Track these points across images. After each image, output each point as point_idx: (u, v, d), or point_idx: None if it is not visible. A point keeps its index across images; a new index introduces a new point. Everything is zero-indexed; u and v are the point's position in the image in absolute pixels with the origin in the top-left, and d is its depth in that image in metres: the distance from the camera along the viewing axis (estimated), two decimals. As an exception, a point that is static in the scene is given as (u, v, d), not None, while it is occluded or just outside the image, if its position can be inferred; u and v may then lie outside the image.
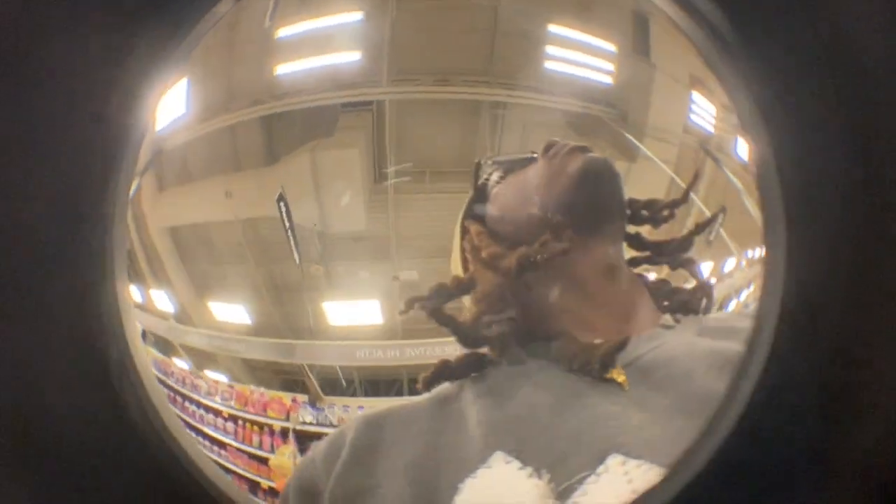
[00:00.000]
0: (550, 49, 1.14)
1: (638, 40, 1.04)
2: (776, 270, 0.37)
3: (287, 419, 1.72)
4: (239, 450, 1.58)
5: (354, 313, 1.57)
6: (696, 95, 0.93)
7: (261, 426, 1.68)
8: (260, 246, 1.44)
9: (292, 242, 1.42)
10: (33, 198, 0.40)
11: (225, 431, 1.57)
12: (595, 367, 0.52)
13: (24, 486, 0.40)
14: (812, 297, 0.37)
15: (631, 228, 0.67)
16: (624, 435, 0.47)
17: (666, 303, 0.64)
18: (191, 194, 1.23)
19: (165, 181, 1.12)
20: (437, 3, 1.24)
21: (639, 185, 0.70)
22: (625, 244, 0.66)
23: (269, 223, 1.48)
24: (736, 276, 0.84)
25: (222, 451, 1.53)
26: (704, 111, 0.91)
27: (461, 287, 0.61)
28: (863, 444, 0.37)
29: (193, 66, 1.03)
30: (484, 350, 0.59)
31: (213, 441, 1.51)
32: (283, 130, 1.34)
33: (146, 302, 1.08)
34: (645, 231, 0.68)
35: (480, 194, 0.67)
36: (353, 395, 1.78)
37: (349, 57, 1.23)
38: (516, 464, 0.47)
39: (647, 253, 0.68)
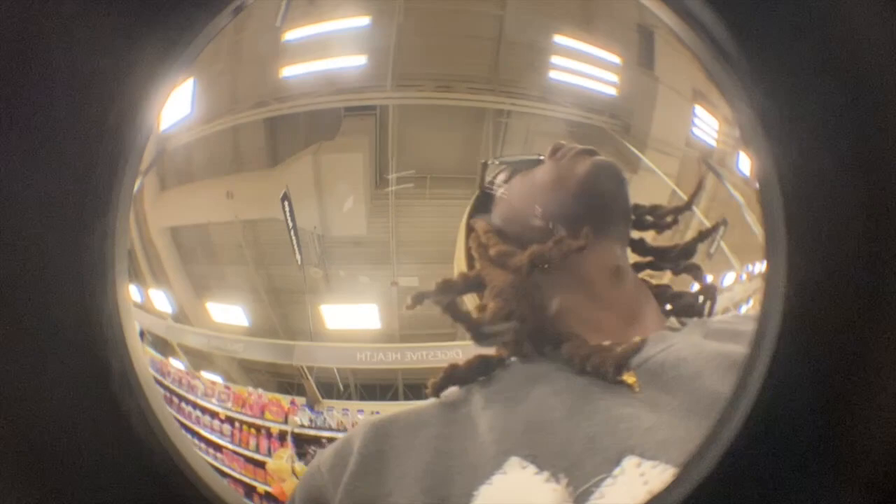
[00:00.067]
0: (555, 59, 1.15)
1: (642, 53, 1.05)
2: (777, 275, 0.37)
3: (285, 422, 1.70)
4: (235, 453, 1.57)
5: (352, 317, 1.57)
6: (698, 109, 0.94)
7: (258, 429, 1.67)
8: (259, 248, 1.44)
9: (295, 243, 1.42)
10: (36, 195, 0.40)
11: (221, 434, 1.55)
12: (609, 369, 0.51)
13: (23, 489, 0.40)
14: (814, 300, 0.37)
15: (634, 234, 0.67)
16: (637, 436, 0.46)
17: (669, 307, 0.63)
18: (192, 194, 1.23)
19: (167, 181, 1.12)
20: (444, 9, 1.24)
21: (640, 196, 0.70)
22: (628, 249, 0.66)
23: (270, 225, 1.48)
24: (736, 289, 0.84)
25: (218, 454, 1.52)
26: (707, 125, 0.92)
27: (468, 284, 0.60)
28: (868, 442, 0.37)
29: (200, 67, 1.03)
30: (493, 352, 0.58)
31: (209, 443, 1.50)
32: (286, 133, 1.35)
33: (145, 301, 1.07)
34: (648, 237, 0.68)
35: (486, 194, 0.67)
36: (349, 398, 1.77)
37: (354, 61, 1.23)
38: (532, 469, 0.46)
39: (650, 258, 0.67)
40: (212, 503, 0.43)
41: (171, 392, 1.17)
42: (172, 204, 1.18)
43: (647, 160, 1.03)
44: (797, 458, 0.36)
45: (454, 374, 0.57)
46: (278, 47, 1.17)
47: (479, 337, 0.58)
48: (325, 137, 1.37)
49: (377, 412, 1.60)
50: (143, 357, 0.44)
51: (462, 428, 0.52)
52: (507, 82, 1.27)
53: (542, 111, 1.20)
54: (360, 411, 1.68)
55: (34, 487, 0.40)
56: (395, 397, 1.68)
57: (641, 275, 0.66)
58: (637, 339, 0.54)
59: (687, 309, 0.63)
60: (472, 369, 0.57)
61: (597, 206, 0.61)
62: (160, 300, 1.16)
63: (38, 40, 0.39)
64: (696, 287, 0.65)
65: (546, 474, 0.46)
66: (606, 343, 0.54)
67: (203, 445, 1.42)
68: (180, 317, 1.23)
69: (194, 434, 1.32)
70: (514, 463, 0.47)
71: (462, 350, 0.60)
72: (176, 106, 0.96)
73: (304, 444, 1.68)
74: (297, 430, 1.69)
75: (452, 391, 0.57)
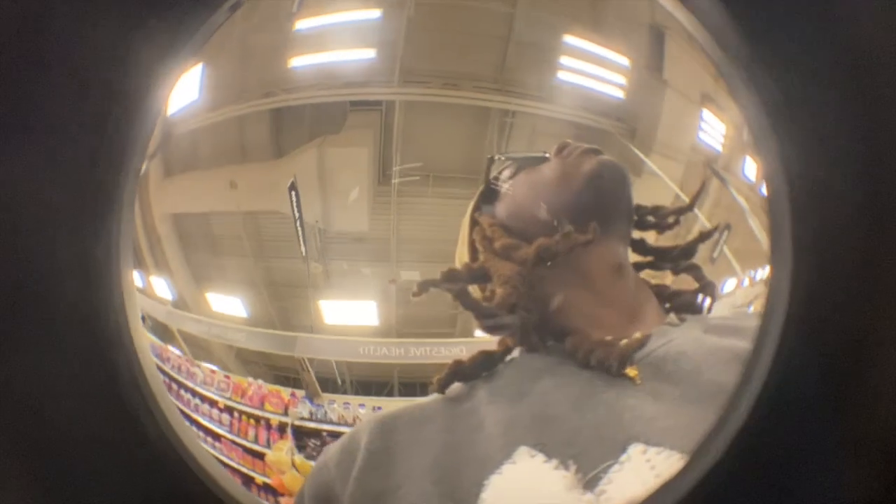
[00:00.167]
0: (563, 59, 1.15)
1: (652, 55, 1.05)
2: (783, 270, 0.37)
3: (285, 413, 1.70)
4: (234, 442, 1.56)
5: (350, 313, 1.57)
6: (706, 113, 0.94)
7: (257, 419, 1.67)
8: (260, 240, 1.44)
9: (300, 234, 1.42)
10: (44, 180, 0.40)
11: (220, 423, 1.55)
12: (613, 363, 0.52)
13: (27, 480, 0.40)
14: (820, 291, 0.37)
15: (636, 234, 0.68)
16: (642, 425, 0.48)
17: (668, 305, 0.64)
18: (196, 182, 1.23)
19: (172, 167, 1.12)
20: (454, 5, 1.24)
21: (644, 200, 0.70)
22: (629, 249, 0.66)
23: (272, 217, 1.48)
24: (738, 294, 0.84)
25: (217, 443, 1.51)
26: (714, 130, 0.92)
27: (473, 274, 0.62)
28: (877, 425, 0.37)
29: (209, 53, 1.03)
30: (496, 347, 0.59)
31: (208, 432, 1.49)
32: (292, 125, 1.34)
33: (146, 287, 1.07)
34: (649, 237, 0.69)
35: (492, 189, 0.68)
36: (345, 393, 1.77)
37: (363, 54, 1.23)
38: (541, 457, 0.48)
39: (650, 258, 0.68)
40: (218, 497, 0.43)
41: (171, 378, 1.17)
42: (176, 191, 1.18)
43: (652, 164, 1.03)
44: (806, 443, 0.37)
45: (459, 370, 0.58)
46: (288, 37, 1.17)
47: (488, 326, 0.59)
48: (330, 131, 1.37)
49: (379, 407, 1.60)
50: (149, 354, 0.44)
51: (468, 422, 0.53)
52: (514, 82, 1.27)
53: (548, 112, 1.20)
54: (362, 406, 1.68)
55: (39, 481, 0.40)
56: (390, 394, 1.68)
57: (642, 274, 0.67)
58: (640, 334, 0.55)
59: (686, 306, 0.64)
60: (476, 365, 0.59)
61: (601, 203, 0.62)
62: (161, 286, 1.16)
63: (49, 15, 0.39)
64: (695, 286, 0.65)
65: (555, 462, 0.47)
66: (608, 338, 0.55)
67: (201, 434, 1.42)
68: (180, 304, 1.23)
69: (193, 422, 1.32)
70: (523, 452, 0.49)
71: (466, 347, 0.61)
72: (184, 91, 0.96)
73: (303, 437, 1.68)
74: (297, 423, 1.69)
75: (455, 387, 0.58)
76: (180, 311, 1.23)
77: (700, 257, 0.68)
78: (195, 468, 0.43)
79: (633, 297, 0.62)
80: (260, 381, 1.64)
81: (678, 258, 0.67)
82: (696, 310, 0.64)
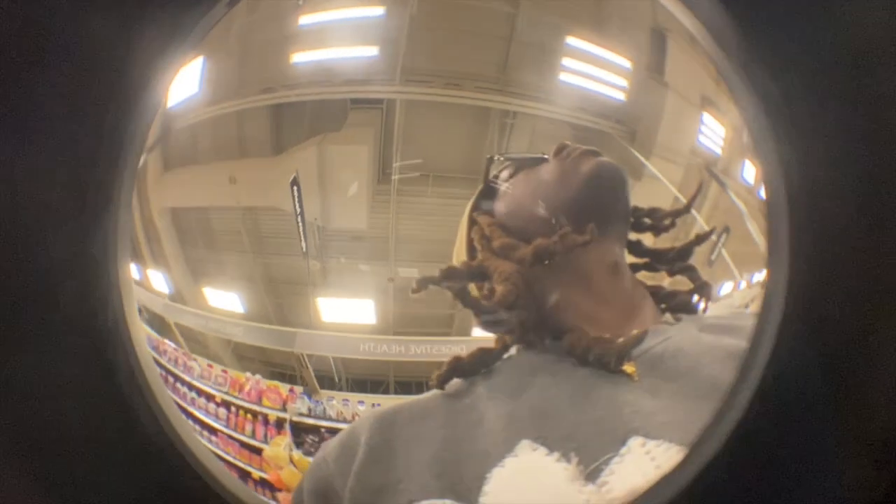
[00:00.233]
0: (565, 61, 1.15)
1: (653, 57, 1.05)
2: (780, 267, 0.37)
3: (283, 409, 1.70)
4: (230, 437, 1.56)
5: (348, 311, 1.57)
6: (706, 116, 0.94)
7: (254, 414, 1.67)
8: (259, 236, 1.44)
9: (301, 229, 1.42)
10: (41, 173, 0.40)
11: (217, 417, 1.55)
12: (612, 360, 0.53)
13: (25, 473, 0.40)
14: (818, 291, 0.37)
15: (632, 235, 0.68)
16: (641, 419, 0.48)
17: (664, 305, 0.65)
18: (195, 176, 1.22)
19: (171, 161, 1.12)
20: (457, 4, 1.24)
21: (643, 202, 0.70)
22: (626, 251, 0.67)
23: (271, 214, 1.48)
24: (735, 296, 0.84)
25: (213, 438, 1.51)
26: (713, 133, 0.92)
27: (471, 272, 0.62)
28: (873, 427, 0.38)
29: (210, 47, 1.03)
30: (493, 345, 0.60)
31: (204, 426, 1.49)
32: (292, 121, 1.35)
33: (143, 280, 1.07)
34: (645, 239, 0.69)
35: (491, 188, 0.68)
36: (340, 390, 1.78)
37: (365, 52, 1.23)
38: (543, 450, 0.48)
39: (646, 260, 0.69)
40: (215, 492, 0.43)
41: (167, 371, 1.17)
42: (175, 185, 1.18)
43: (652, 167, 1.03)
44: (804, 441, 0.37)
45: (458, 366, 0.58)
46: (290, 32, 1.17)
47: (487, 323, 0.60)
48: (330, 128, 1.37)
49: (377, 404, 1.60)
50: (146, 348, 0.44)
51: (468, 417, 0.54)
52: (516, 83, 1.27)
53: (549, 113, 1.20)
54: (361, 403, 1.68)
55: (37, 474, 0.40)
56: (386, 393, 1.69)
57: (638, 276, 0.67)
58: (637, 331, 0.55)
59: (682, 307, 0.64)
60: (474, 362, 0.59)
61: (599, 204, 0.62)
62: (158, 279, 1.16)
63: (46, 14, 0.39)
64: (691, 287, 0.66)
65: (557, 455, 0.48)
66: (606, 336, 0.55)
67: (198, 428, 1.42)
68: (177, 298, 1.23)
69: (189, 416, 1.32)
70: (524, 446, 0.49)
71: (466, 345, 0.61)
72: (184, 84, 0.96)
73: (301, 433, 1.68)
74: (295, 419, 1.69)
75: (454, 383, 0.58)
76: (177, 304, 1.23)
77: (698, 259, 0.68)
78: (193, 462, 0.43)
79: (629, 296, 0.62)
80: (258, 377, 1.64)
81: (674, 260, 0.68)
82: (691, 310, 0.64)
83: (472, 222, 0.66)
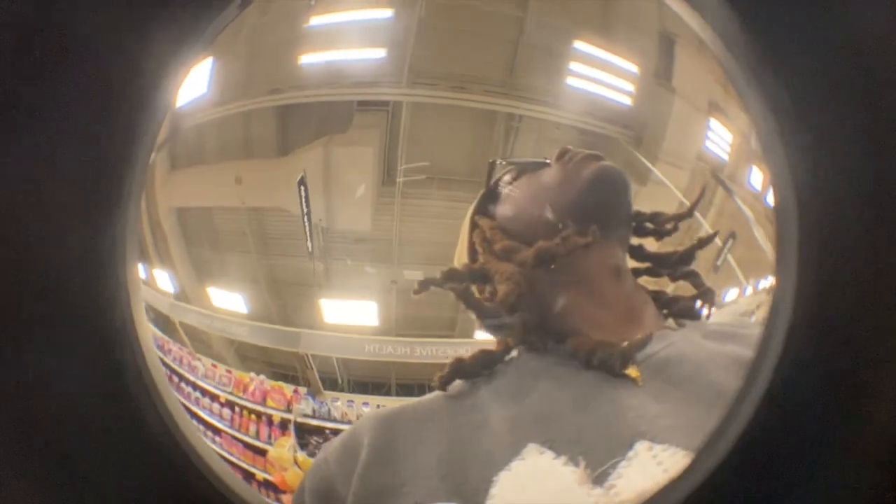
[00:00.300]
0: (572, 65, 1.15)
1: (661, 62, 1.05)
2: (788, 273, 0.37)
3: (288, 410, 1.70)
4: (234, 438, 1.56)
5: (351, 312, 1.57)
6: (713, 122, 0.94)
7: (259, 415, 1.66)
8: (264, 237, 1.44)
9: (307, 229, 1.42)
10: (52, 168, 0.40)
11: (221, 417, 1.55)
12: (616, 362, 0.53)
13: (30, 470, 0.40)
14: (825, 295, 0.37)
15: (634, 240, 0.68)
16: (646, 424, 0.48)
17: (666, 311, 0.65)
18: (201, 176, 1.23)
19: (178, 161, 1.12)
20: (465, 6, 1.24)
21: (649, 207, 0.70)
22: (628, 255, 0.67)
23: (276, 214, 1.48)
24: (741, 302, 0.84)
25: (216, 438, 1.51)
26: (720, 138, 0.92)
27: (473, 275, 0.62)
28: (878, 428, 0.37)
29: (220, 48, 1.03)
30: (495, 347, 0.60)
31: (208, 426, 1.49)
32: (298, 123, 1.35)
33: (148, 278, 1.07)
34: (647, 243, 0.69)
35: (493, 192, 0.68)
36: (343, 391, 1.77)
37: (372, 54, 1.23)
38: (550, 454, 0.48)
39: (648, 264, 0.69)
40: (220, 492, 0.43)
41: (172, 371, 1.17)
42: (182, 185, 1.19)
43: (658, 172, 1.03)
44: (809, 448, 0.37)
45: (460, 368, 0.58)
46: (298, 34, 1.17)
47: (489, 325, 0.60)
48: (336, 130, 1.37)
49: (380, 406, 1.60)
50: (153, 347, 0.44)
51: (472, 419, 0.53)
52: (522, 86, 1.27)
53: (555, 117, 1.20)
54: (366, 404, 1.68)
55: (42, 472, 0.40)
56: (387, 394, 1.69)
57: (640, 280, 0.67)
58: (641, 335, 0.55)
59: (684, 312, 0.64)
60: (476, 363, 0.59)
61: (600, 208, 0.62)
62: (164, 279, 1.16)
63: (58, 15, 0.39)
64: (694, 293, 0.66)
65: (564, 458, 0.48)
66: (609, 339, 0.56)
67: (201, 428, 1.42)
68: (182, 298, 1.24)
69: (193, 415, 1.32)
70: (532, 449, 0.49)
71: (471, 347, 0.61)
72: (193, 84, 0.96)
73: (306, 434, 1.68)
74: (300, 420, 1.69)
75: (456, 385, 0.58)
76: (182, 303, 1.23)
77: (704, 265, 0.68)
78: (198, 462, 0.43)
79: (631, 300, 0.62)
80: (262, 377, 1.64)
81: (676, 264, 0.68)
82: (693, 316, 0.64)
83: (474, 226, 0.67)
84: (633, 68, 1.08)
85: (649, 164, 1.04)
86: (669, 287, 0.67)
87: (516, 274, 0.58)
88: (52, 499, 0.40)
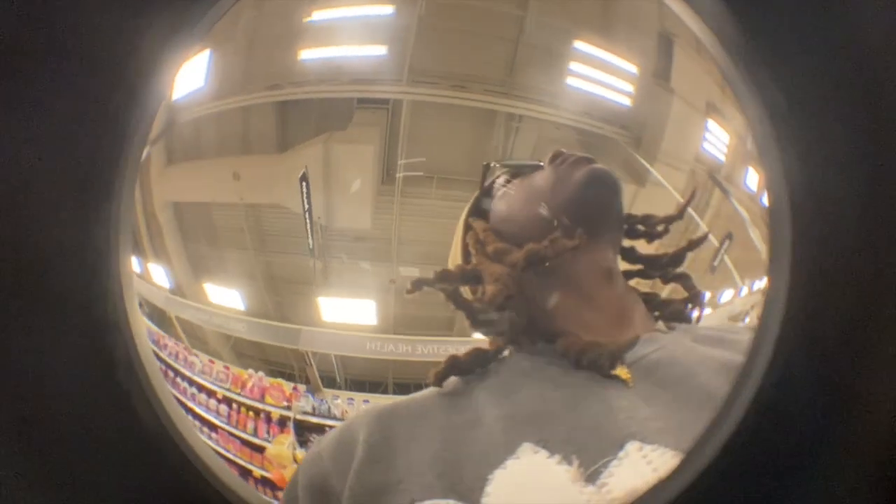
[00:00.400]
0: (572, 65, 1.15)
1: (660, 63, 1.05)
2: (781, 274, 0.37)
3: (287, 407, 1.69)
4: (231, 434, 1.56)
5: (349, 310, 1.57)
6: (711, 123, 0.94)
7: (257, 412, 1.65)
8: (261, 233, 1.44)
9: (308, 226, 1.42)
10: (44, 163, 0.40)
11: (217, 414, 1.54)
12: (605, 362, 0.54)
13: (22, 464, 0.40)
14: (818, 297, 0.37)
15: (626, 242, 0.68)
16: (637, 424, 0.49)
17: (657, 313, 0.65)
18: (198, 171, 1.23)
19: (175, 155, 1.12)
20: (466, 5, 1.24)
21: (646, 209, 0.70)
22: (619, 257, 0.67)
23: (274, 211, 1.48)
24: (736, 303, 0.84)
25: (213, 434, 1.50)
26: (718, 140, 0.92)
27: (465, 276, 0.63)
28: (874, 425, 0.37)
29: (217, 40, 1.03)
30: (488, 345, 0.60)
31: (204, 422, 1.48)
32: (298, 119, 1.35)
33: (144, 273, 1.07)
34: (639, 245, 0.69)
35: (487, 195, 0.69)
36: (340, 389, 1.77)
37: (373, 51, 1.23)
38: (545, 453, 0.49)
39: (639, 266, 0.69)
40: (215, 488, 0.43)
41: (167, 366, 1.17)
42: (178, 179, 1.18)
43: (657, 173, 1.03)
44: (800, 450, 0.37)
45: (455, 365, 0.59)
46: (298, 29, 1.17)
47: (478, 324, 0.61)
48: (336, 127, 1.37)
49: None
50: (146, 341, 0.44)
51: (466, 417, 0.54)
52: (522, 86, 1.27)
53: (555, 117, 1.20)
54: (366, 402, 1.68)
55: (35, 466, 0.40)
56: (384, 393, 1.69)
57: (631, 283, 0.67)
58: (629, 336, 0.55)
59: (675, 315, 0.64)
60: (471, 360, 0.59)
61: (592, 210, 0.63)
62: (159, 274, 1.16)
63: (50, 4, 0.39)
64: (684, 296, 0.66)
65: (558, 457, 0.48)
66: (601, 340, 0.56)
67: (197, 424, 1.41)
68: (177, 293, 1.23)
69: (189, 411, 1.31)
70: (526, 448, 0.49)
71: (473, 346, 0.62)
72: (189, 77, 0.96)
73: (305, 432, 1.67)
74: (299, 417, 1.68)
75: (451, 381, 0.58)
76: (178, 298, 1.23)
77: (701, 267, 0.68)
78: (192, 457, 0.43)
79: (622, 302, 0.63)
80: (261, 374, 1.64)
81: (667, 265, 0.68)
82: (684, 318, 0.64)
83: (468, 227, 0.67)
84: (633, 68, 1.08)
85: (648, 165, 1.04)
86: (664, 290, 0.67)
87: (506, 275, 0.59)
88: (44, 493, 0.40)
